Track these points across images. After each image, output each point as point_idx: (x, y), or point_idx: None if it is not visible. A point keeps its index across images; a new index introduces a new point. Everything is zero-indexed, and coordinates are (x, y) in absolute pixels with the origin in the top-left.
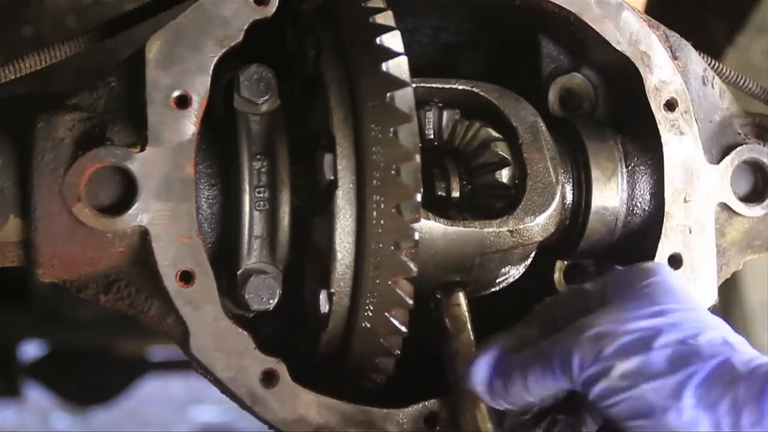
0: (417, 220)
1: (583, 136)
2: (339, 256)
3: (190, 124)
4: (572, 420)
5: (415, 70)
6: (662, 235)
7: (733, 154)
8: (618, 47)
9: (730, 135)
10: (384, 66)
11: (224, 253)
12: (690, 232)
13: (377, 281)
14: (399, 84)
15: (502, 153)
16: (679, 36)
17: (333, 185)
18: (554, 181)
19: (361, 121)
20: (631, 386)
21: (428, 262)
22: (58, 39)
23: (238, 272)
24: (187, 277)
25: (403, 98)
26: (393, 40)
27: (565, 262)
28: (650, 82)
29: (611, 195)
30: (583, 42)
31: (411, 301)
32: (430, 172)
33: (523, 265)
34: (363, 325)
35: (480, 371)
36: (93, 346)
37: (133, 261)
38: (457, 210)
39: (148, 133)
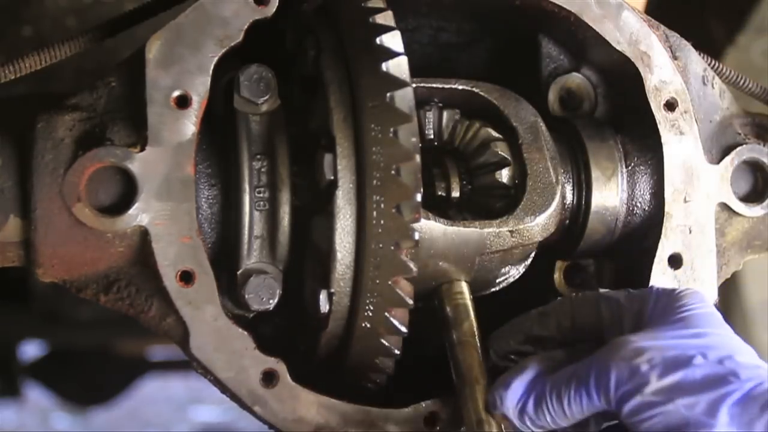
0: (417, 220)
1: (583, 136)
2: (339, 256)
3: (190, 124)
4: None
5: (415, 70)
6: (662, 235)
7: (733, 154)
8: (618, 47)
9: (730, 135)
10: (384, 66)
11: (224, 253)
12: (690, 232)
13: (377, 281)
14: (399, 84)
15: (502, 153)
16: (679, 36)
17: (333, 185)
18: (554, 181)
19: (361, 121)
20: (665, 401)
21: (428, 262)
22: (58, 39)
23: (238, 272)
24: (187, 277)
25: (403, 98)
26: (393, 40)
27: (565, 262)
28: (650, 82)
29: (611, 195)
30: (583, 42)
31: (411, 301)
32: (430, 172)
33: (523, 265)
34: (363, 325)
35: (513, 394)
36: (93, 346)
37: (133, 261)
38: (457, 210)
39: (148, 133)
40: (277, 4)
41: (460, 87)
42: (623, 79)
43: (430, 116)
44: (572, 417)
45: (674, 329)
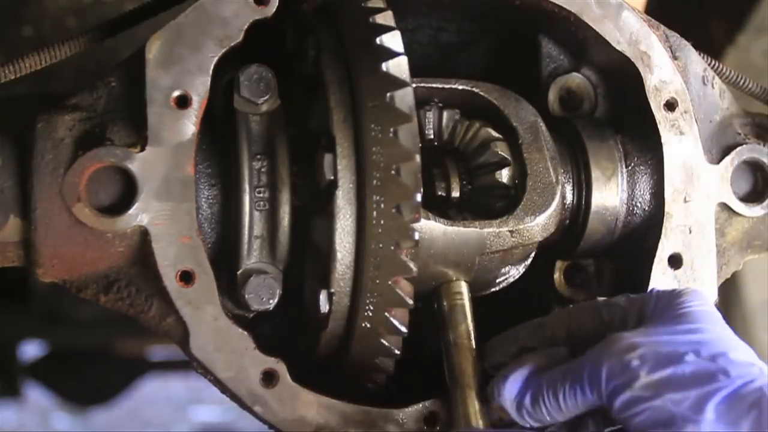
0: (417, 220)
1: (583, 136)
2: (339, 256)
3: (190, 124)
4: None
5: (415, 70)
6: (662, 235)
7: (733, 154)
8: (618, 47)
9: (730, 135)
10: (384, 66)
11: (224, 253)
12: (690, 232)
13: (377, 281)
14: (399, 84)
15: (502, 153)
16: (679, 36)
17: (333, 185)
18: (554, 181)
19: (361, 121)
20: (653, 397)
21: (428, 262)
22: (58, 39)
23: (238, 272)
24: (187, 277)
25: (403, 98)
26: (393, 40)
27: (565, 262)
28: (650, 82)
29: (611, 195)
30: (583, 42)
31: (411, 301)
32: (430, 172)
33: (523, 265)
34: (363, 325)
35: (511, 388)
36: (93, 346)
37: (133, 261)
38: (457, 210)
39: (148, 133)
40: (277, 4)
41: (460, 87)
42: (623, 79)
43: (430, 116)
44: (567, 412)
45: (670, 325)
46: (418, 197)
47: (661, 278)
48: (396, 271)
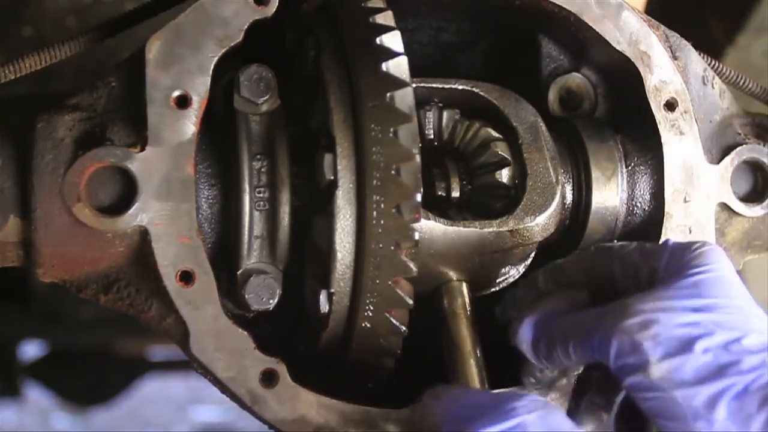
0: (417, 220)
1: (583, 136)
2: (339, 256)
3: (190, 124)
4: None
5: (415, 70)
6: (662, 235)
7: (733, 154)
8: (618, 47)
9: (730, 135)
10: (384, 66)
11: (224, 253)
12: (690, 232)
13: (377, 281)
14: (399, 84)
15: (502, 153)
16: (679, 36)
17: (333, 185)
18: (554, 181)
19: (361, 121)
20: (664, 387)
21: (428, 262)
22: (58, 39)
23: (238, 272)
24: (187, 277)
25: (403, 98)
26: (393, 40)
27: None
28: (650, 82)
29: (611, 195)
30: (583, 42)
31: (411, 301)
32: (430, 172)
33: (523, 265)
34: (363, 325)
35: (527, 330)
36: (93, 346)
37: (133, 261)
38: (457, 210)
39: (148, 133)
40: (277, 4)
41: (460, 87)
42: (623, 79)
43: (430, 116)
44: (578, 362)
45: (685, 298)
46: (418, 197)
47: None
48: (396, 271)
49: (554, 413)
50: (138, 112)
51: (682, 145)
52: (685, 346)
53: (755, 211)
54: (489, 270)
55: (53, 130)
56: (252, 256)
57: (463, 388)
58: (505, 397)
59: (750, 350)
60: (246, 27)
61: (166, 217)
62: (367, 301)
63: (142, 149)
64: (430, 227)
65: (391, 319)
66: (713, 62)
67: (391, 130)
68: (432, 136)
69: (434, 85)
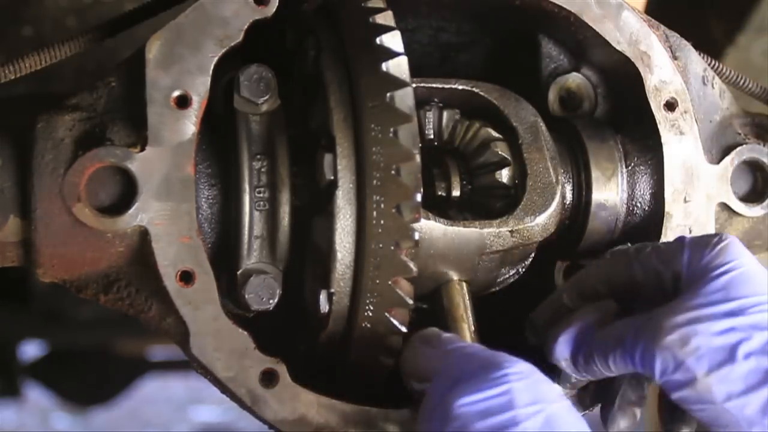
0: (417, 220)
1: (583, 136)
2: (339, 256)
3: (190, 124)
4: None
5: (415, 70)
6: (662, 235)
7: (733, 154)
8: (618, 47)
9: (730, 135)
10: (384, 66)
11: (224, 253)
12: (690, 232)
13: (377, 281)
14: (399, 84)
15: (502, 153)
16: (679, 36)
17: (333, 185)
18: (554, 181)
19: (361, 121)
20: (714, 400)
21: (428, 262)
22: (58, 39)
23: (238, 272)
24: (187, 277)
25: (403, 98)
26: (393, 40)
27: (566, 262)
28: (650, 82)
29: (611, 195)
30: (583, 42)
31: (411, 301)
32: (430, 172)
33: (522, 265)
34: (363, 325)
35: (563, 349)
36: (93, 346)
37: (133, 261)
38: (457, 210)
39: (148, 133)
40: (277, 4)
41: (460, 87)
42: (623, 79)
43: (430, 116)
44: (619, 373)
45: (717, 303)
46: (418, 197)
47: None
48: (396, 271)
49: (542, 382)
50: (138, 112)
51: (682, 145)
52: (728, 355)
53: (755, 211)
54: (489, 270)
55: (53, 130)
56: (252, 256)
57: (455, 338)
58: (496, 360)
59: None
60: (246, 27)
61: (166, 217)
62: (367, 301)
63: (142, 149)
64: (430, 227)
65: (391, 319)
66: (713, 62)
67: (391, 130)
68: (432, 136)
69: (434, 85)
